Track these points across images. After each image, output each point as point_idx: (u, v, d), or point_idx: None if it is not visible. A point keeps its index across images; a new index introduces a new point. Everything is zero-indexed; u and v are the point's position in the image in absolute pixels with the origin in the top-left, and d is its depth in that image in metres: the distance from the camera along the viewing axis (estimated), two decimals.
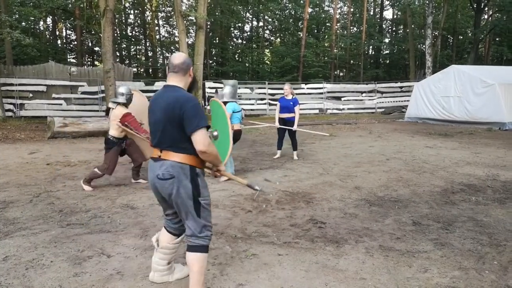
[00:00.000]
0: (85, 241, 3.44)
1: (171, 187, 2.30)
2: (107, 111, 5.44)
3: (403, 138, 10.32)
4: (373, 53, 35.79)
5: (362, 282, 2.73)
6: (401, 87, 22.11)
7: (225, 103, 5.65)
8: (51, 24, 29.72)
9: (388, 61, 35.44)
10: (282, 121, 7.40)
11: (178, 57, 2.44)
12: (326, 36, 32.69)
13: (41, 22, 27.92)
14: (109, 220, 4.04)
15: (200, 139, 2.25)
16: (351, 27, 34.11)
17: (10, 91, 15.27)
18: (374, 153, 8.01)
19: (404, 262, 3.04)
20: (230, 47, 33.03)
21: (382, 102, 21.62)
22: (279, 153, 7.69)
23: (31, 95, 15.68)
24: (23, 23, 21.91)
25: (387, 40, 35.18)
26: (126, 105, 5.32)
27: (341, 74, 35.41)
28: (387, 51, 34.73)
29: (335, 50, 29.80)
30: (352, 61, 34.09)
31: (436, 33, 27.82)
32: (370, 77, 29.08)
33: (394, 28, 38.46)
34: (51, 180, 5.75)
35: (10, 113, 15.05)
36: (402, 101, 21.18)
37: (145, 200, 4.73)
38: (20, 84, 15.45)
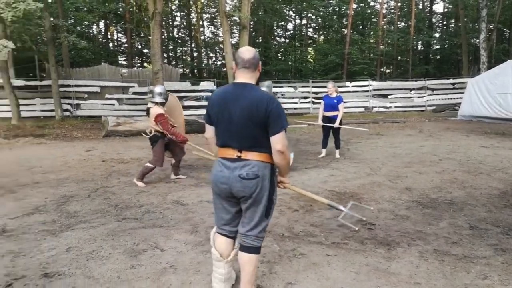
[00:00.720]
0: (140, 235, 3.59)
1: (254, 187, 2.27)
2: (147, 110, 5.69)
3: (456, 138, 9.82)
4: (422, 48, 34.30)
5: (416, 287, 2.64)
6: (453, 84, 21.04)
7: None
8: (103, 28, 31.31)
9: (438, 57, 33.80)
10: (326, 119, 7.36)
11: (248, 52, 2.32)
12: (372, 32, 31.75)
13: (94, 26, 29.47)
14: (161, 215, 4.19)
15: (280, 139, 2.23)
16: (399, 22, 32.90)
17: (68, 92, 16.28)
18: (425, 153, 7.69)
19: (462, 268, 2.90)
20: (273, 46, 33.04)
21: (433, 100, 20.69)
22: (324, 152, 7.61)
23: (86, 95, 16.62)
24: (78, 27, 23.24)
25: (437, 35, 33.55)
26: (163, 104, 5.56)
27: (387, 71, 34.29)
28: (438, 46, 33.12)
29: (381, 46, 28.87)
30: (399, 57, 32.87)
31: (491, 26, 26.12)
32: (419, 73, 27.86)
33: (445, 22, 36.60)
34: (106, 176, 6.07)
35: (67, 113, 16.05)
36: (454, 98, 20.13)
37: (194, 197, 4.86)
38: (76, 85, 16.44)
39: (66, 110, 16.09)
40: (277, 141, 2.23)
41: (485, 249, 3.21)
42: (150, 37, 28.66)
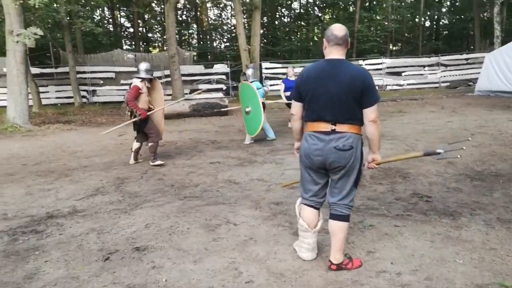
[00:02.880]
0: (208, 211, 3.74)
1: (349, 157, 2.40)
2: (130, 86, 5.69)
3: (480, 113, 9.85)
4: (429, 24, 33.77)
5: (493, 252, 2.77)
6: (467, 59, 20.84)
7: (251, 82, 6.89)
8: (107, 13, 30.97)
9: (446, 32, 33.34)
10: (288, 99, 8.59)
11: (341, 29, 2.41)
12: (378, 10, 31.26)
13: (98, 11, 29.12)
14: (219, 193, 4.34)
15: (374, 110, 2.40)
16: None
17: (83, 78, 16.34)
18: (455, 128, 7.76)
19: None
20: (281, 26, 32.71)
21: (445, 76, 20.55)
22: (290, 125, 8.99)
23: (102, 82, 16.68)
24: (81, 13, 23.00)
25: (443, 10, 32.99)
26: (150, 80, 5.64)
27: (394, 48, 33.91)
28: (446, 22, 32.62)
29: (391, 24, 28.49)
30: (406, 34, 32.42)
31: None
32: (429, 50, 27.59)
33: None
34: (149, 158, 6.19)
35: (84, 99, 16.15)
36: (468, 74, 20.00)
37: (244, 176, 5.00)
38: (91, 72, 16.48)
39: (83, 96, 16.19)
40: (372, 111, 2.40)
41: None
42: (153, 21, 28.49)
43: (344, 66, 2.40)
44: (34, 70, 15.62)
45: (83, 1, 19.36)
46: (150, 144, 5.65)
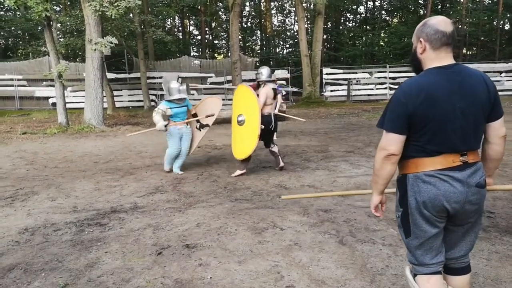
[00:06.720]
0: (256, 214, 3.84)
1: (485, 195, 1.79)
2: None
3: None
4: (509, 27, 31.10)
5: None
6: None
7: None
8: (177, 21, 32.75)
9: None
10: None
11: (447, 23, 1.71)
12: (451, 13, 29.46)
13: (169, 20, 30.90)
14: (269, 197, 4.42)
15: (502, 123, 1.82)
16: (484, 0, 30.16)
17: (153, 83, 17.44)
18: None
19: None
20: (345, 31, 32.16)
21: None
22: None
23: None
24: (154, 23, 24.55)
25: None
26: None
27: (469, 52, 31.68)
28: None
29: (465, 27, 26.72)
30: (482, 38, 30.15)
31: None
32: (508, 54, 25.42)
33: None
34: (206, 160, 6.50)
35: (153, 103, 17.22)
36: None
37: (295, 181, 5.05)
38: (160, 77, 17.53)
39: (152, 100, 17.26)
40: (502, 124, 1.81)
41: None
42: (219, 28, 29.58)
43: (468, 72, 1.73)
44: (110, 75, 17.00)
45: (155, 11, 20.74)
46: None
